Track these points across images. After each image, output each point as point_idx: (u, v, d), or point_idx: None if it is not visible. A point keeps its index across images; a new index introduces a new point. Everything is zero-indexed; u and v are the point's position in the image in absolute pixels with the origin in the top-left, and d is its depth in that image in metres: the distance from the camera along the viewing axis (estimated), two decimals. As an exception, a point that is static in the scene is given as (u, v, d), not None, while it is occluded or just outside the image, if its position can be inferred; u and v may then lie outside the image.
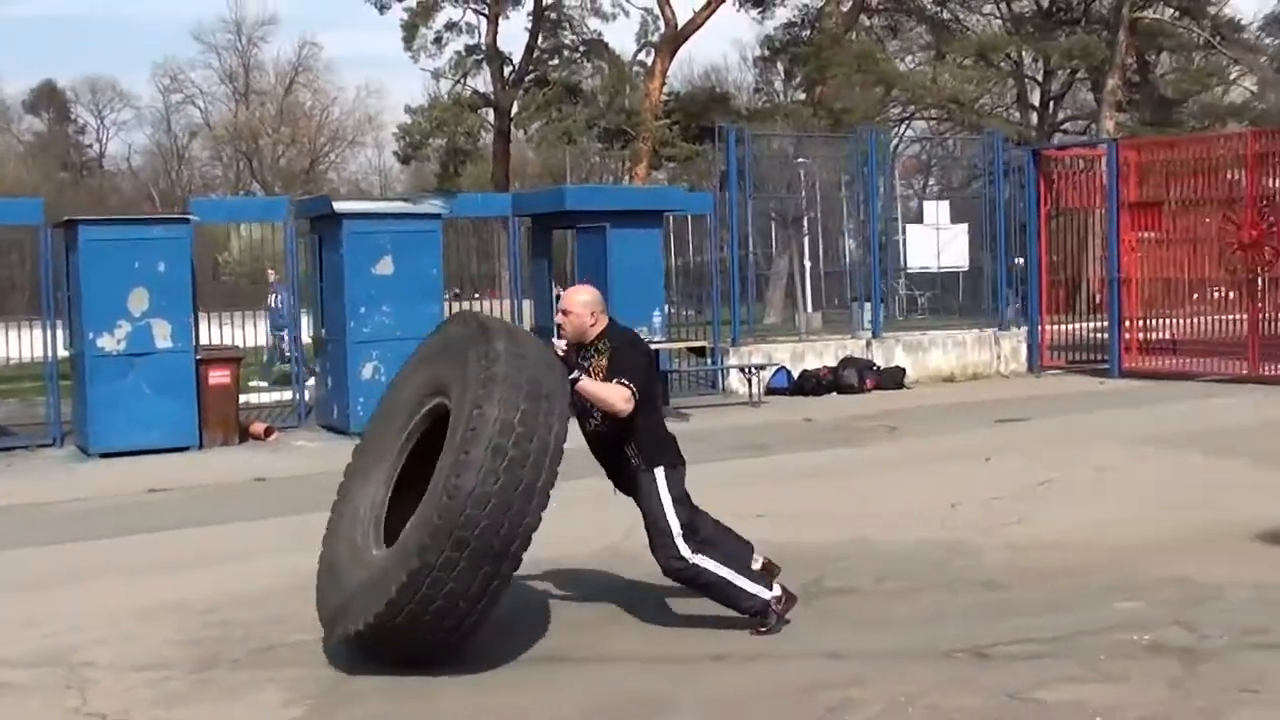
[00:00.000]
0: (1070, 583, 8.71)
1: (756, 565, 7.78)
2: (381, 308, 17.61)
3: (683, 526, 7.43)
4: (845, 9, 47.25)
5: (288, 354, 24.22)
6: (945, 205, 24.82)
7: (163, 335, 16.81)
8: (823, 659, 7.13)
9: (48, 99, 76.60)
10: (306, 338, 19.93)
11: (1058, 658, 7.05)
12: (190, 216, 17.64)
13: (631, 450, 7.50)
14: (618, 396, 7.33)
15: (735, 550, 7.74)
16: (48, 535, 11.87)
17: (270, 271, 25.76)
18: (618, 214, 18.97)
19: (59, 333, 17.89)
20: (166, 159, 75.08)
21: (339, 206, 17.68)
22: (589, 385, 7.38)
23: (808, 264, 37.79)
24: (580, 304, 7.67)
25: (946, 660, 7.07)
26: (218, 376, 17.18)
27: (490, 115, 47.94)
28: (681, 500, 7.52)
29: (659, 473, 7.48)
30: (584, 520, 9.92)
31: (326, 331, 18.29)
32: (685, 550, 7.39)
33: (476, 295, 22.89)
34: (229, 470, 15.28)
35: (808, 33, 48.43)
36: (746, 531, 8.07)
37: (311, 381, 19.59)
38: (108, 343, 16.63)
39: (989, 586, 8.69)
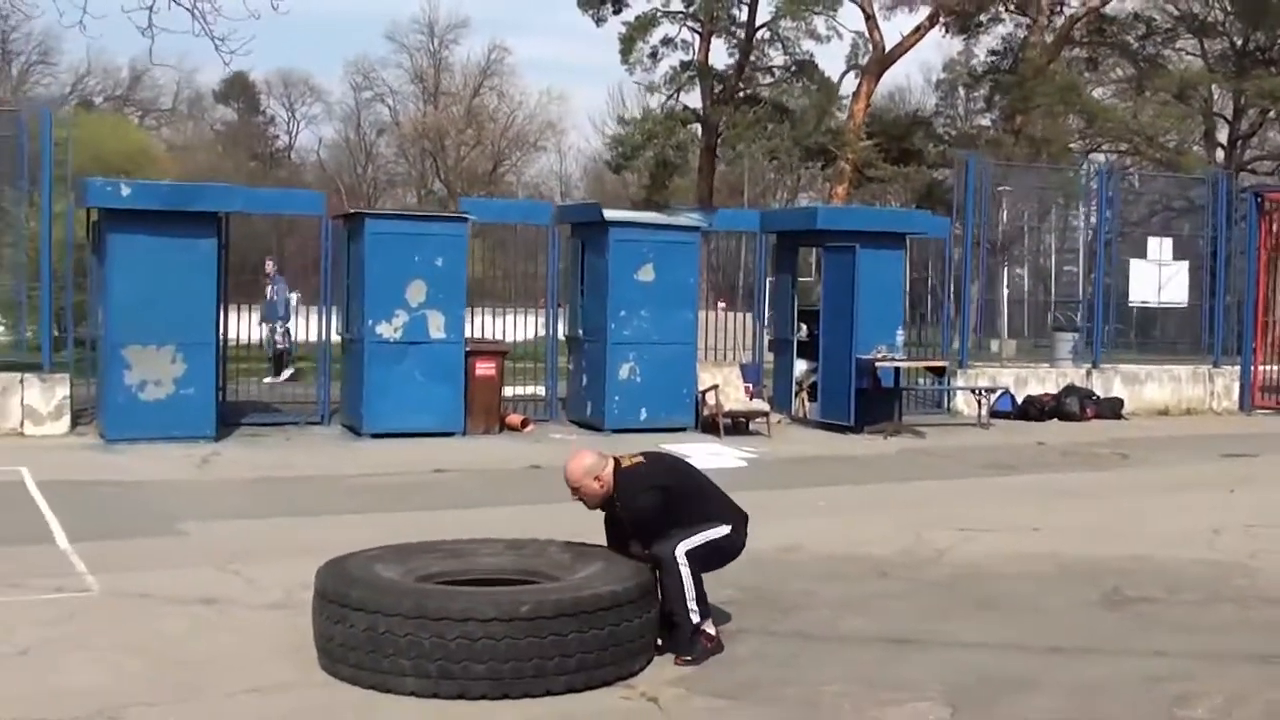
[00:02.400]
0: (1355, 603, 9.31)
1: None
2: (640, 312, 18.50)
3: (690, 552, 7.66)
4: (1049, 40, 47.33)
5: (280, 345, 25.12)
6: (1169, 242, 25.06)
7: (436, 326, 17.83)
8: (1152, 656, 7.84)
9: (239, 90, 78.55)
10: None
11: (1368, 666, 7.69)
12: (468, 215, 18.65)
13: None
14: (669, 557, 7.61)
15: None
16: (358, 504, 12.85)
17: (269, 262, 26.57)
18: (866, 234, 19.65)
19: (334, 318, 19.03)
20: (354, 154, 76.55)
21: (608, 215, 18.58)
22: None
23: (1006, 291, 38.12)
24: (582, 474, 7.76)
25: (1265, 664, 7.76)
26: (484, 368, 18.20)
27: (699, 130, 48.75)
28: (710, 553, 7.77)
29: (725, 527, 7.87)
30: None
31: (584, 332, 19.18)
32: (682, 551, 7.61)
33: (723, 305, 23.68)
34: (502, 457, 16.27)
35: (1009, 61, 48.60)
36: (1024, 544, 8.83)
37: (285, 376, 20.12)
38: (386, 330, 17.69)
39: (1277, 604, 9.28)
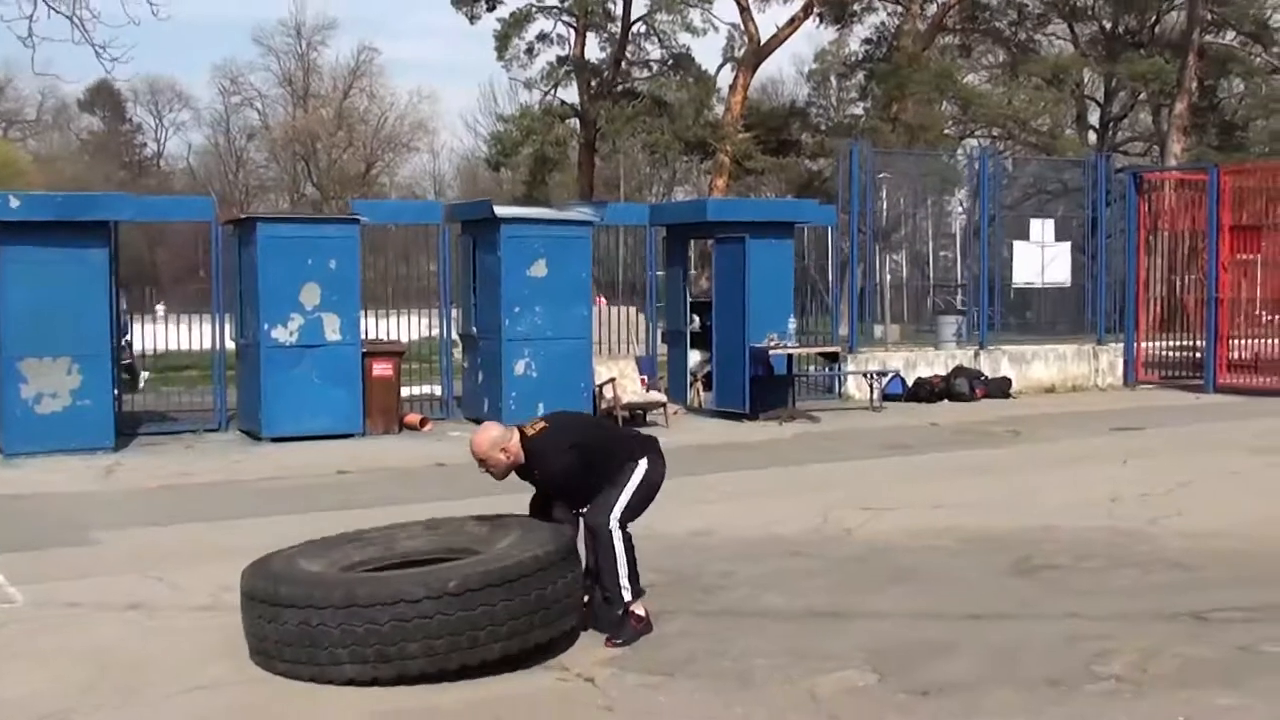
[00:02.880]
0: (1252, 564, 9.75)
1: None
2: (534, 308, 18.61)
3: (624, 515, 7.85)
4: (923, 28, 48.11)
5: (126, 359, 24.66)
6: (1050, 224, 25.61)
7: (332, 329, 17.86)
8: (1067, 619, 8.16)
9: (104, 98, 77.59)
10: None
11: (1269, 622, 8.06)
12: (360, 217, 18.68)
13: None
14: (604, 530, 7.79)
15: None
16: (268, 507, 12.87)
17: None
18: (756, 225, 19.93)
19: (227, 325, 18.99)
20: (224, 160, 75.96)
21: (500, 211, 18.68)
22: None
23: (888, 277, 38.67)
24: (489, 448, 7.85)
25: (1172, 621, 8.11)
26: (381, 369, 18.27)
27: (577, 125, 48.97)
28: (642, 500, 7.96)
29: (643, 463, 7.99)
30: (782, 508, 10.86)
31: (478, 329, 19.29)
32: (616, 520, 7.80)
33: (602, 300, 23.81)
34: (405, 456, 16.35)
35: (883, 50, 49.29)
36: (930, 519, 9.11)
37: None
38: (281, 334, 17.68)
39: (1178, 566, 9.70)
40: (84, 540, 11.42)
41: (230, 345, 19.05)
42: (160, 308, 25.88)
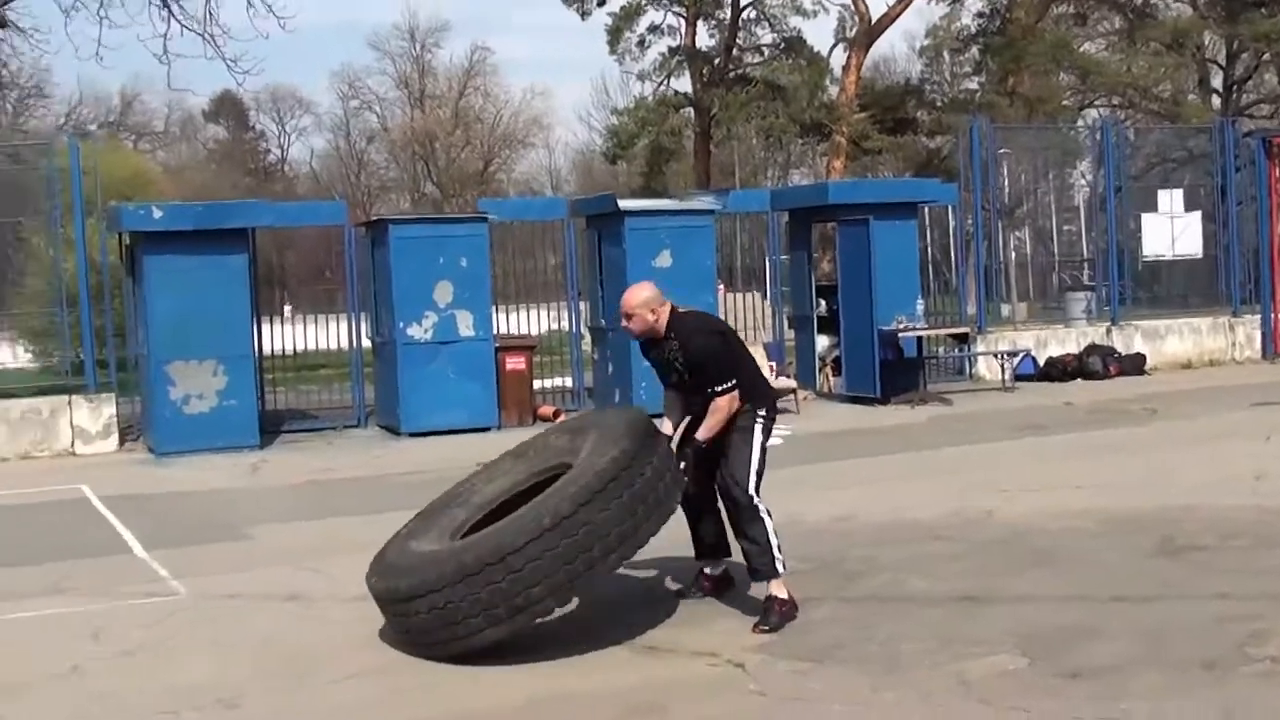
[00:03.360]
0: None
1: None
2: (661, 299, 18.74)
3: (758, 474, 7.94)
4: (1035, -1, 47.44)
5: None
6: (1179, 194, 25.22)
7: (465, 325, 18.20)
8: (1216, 599, 8.13)
9: (228, 108, 78.89)
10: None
11: None
12: (487, 215, 18.98)
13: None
14: (727, 407, 7.85)
15: None
16: (412, 500, 13.05)
17: None
18: (879, 206, 19.94)
19: (363, 324, 19.41)
20: (345, 162, 76.92)
21: (623, 204, 18.88)
22: (707, 434, 7.89)
23: (1013, 254, 38.38)
24: (639, 304, 8.02)
25: (1328, 600, 8.05)
26: (514, 363, 18.57)
27: (691, 114, 49.07)
28: (765, 449, 8.03)
29: (759, 416, 8.04)
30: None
31: (607, 321, 19.47)
32: (754, 489, 7.88)
33: (721, 287, 23.89)
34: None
35: (996, 22, 48.70)
36: (1069, 500, 9.13)
37: None
38: (416, 332, 18.05)
39: (1334, 544, 9.62)
40: (238, 535, 11.82)
41: (366, 343, 19.45)
42: (288, 309, 26.46)
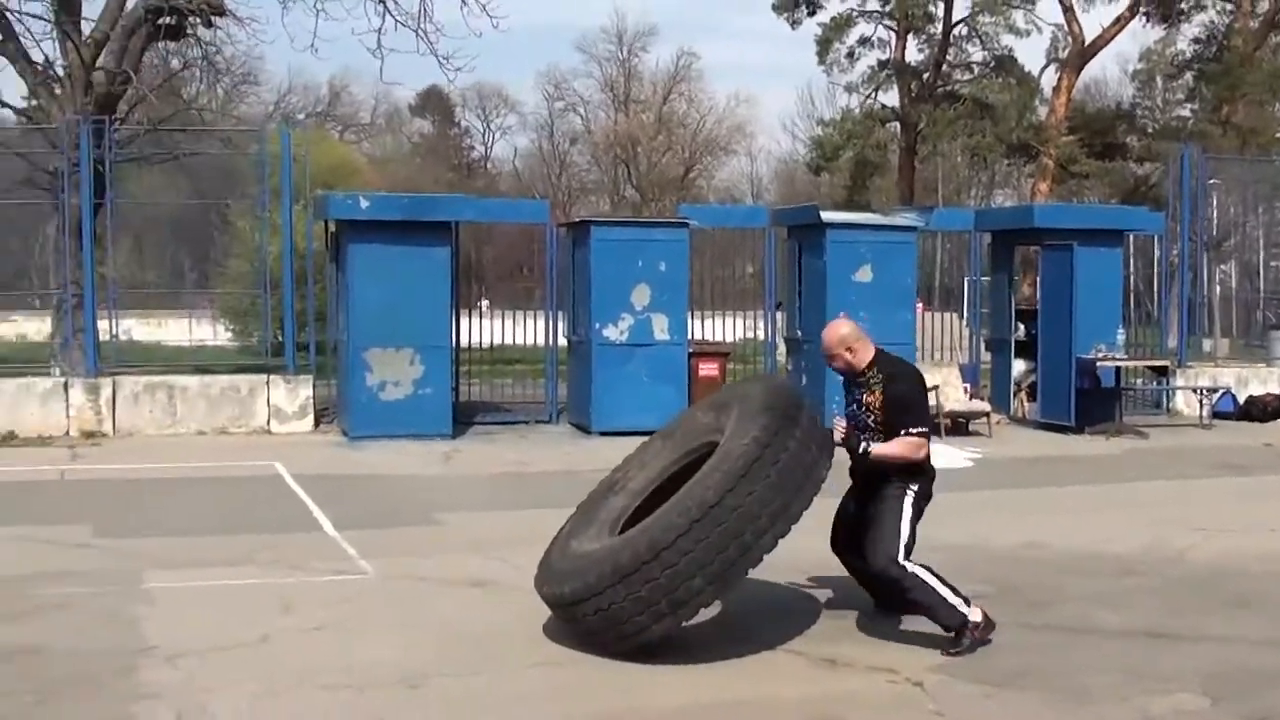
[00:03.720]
0: None
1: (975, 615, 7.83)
2: (859, 313, 18.60)
3: (907, 548, 7.77)
4: (1255, 25, 46.32)
5: None
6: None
7: (661, 328, 18.33)
8: None
9: (435, 103, 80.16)
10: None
11: None
12: (689, 220, 19.10)
13: (894, 473, 7.88)
14: (911, 450, 7.76)
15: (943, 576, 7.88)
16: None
17: None
18: (1084, 232, 19.60)
19: (559, 322, 19.65)
20: (548, 163, 77.73)
21: (826, 216, 18.85)
22: (880, 450, 7.77)
23: (1217, 288, 37.50)
24: (838, 341, 8.02)
25: None
26: (707, 368, 18.66)
27: (898, 129, 48.79)
28: (915, 525, 7.86)
29: (911, 490, 7.89)
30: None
31: (803, 333, 19.47)
32: (903, 557, 7.72)
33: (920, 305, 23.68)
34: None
35: (1213, 49, 47.64)
36: (1268, 543, 8.92)
37: None
38: (612, 333, 18.24)
39: None
40: (428, 520, 12.05)
41: (562, 342, 19.68)
42: (485, 303, 26.84)
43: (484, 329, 21.59)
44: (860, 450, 7.80)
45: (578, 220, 19.64)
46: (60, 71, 21.02)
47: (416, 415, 17.48)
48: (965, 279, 28.88)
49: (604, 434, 17.95)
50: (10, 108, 23.86)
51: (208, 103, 28.91)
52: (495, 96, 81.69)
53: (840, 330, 8.07)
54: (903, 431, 7.79)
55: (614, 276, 18.21)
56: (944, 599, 7.71)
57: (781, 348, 20.52)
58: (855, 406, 8.10)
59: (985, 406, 19.37)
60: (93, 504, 13.06)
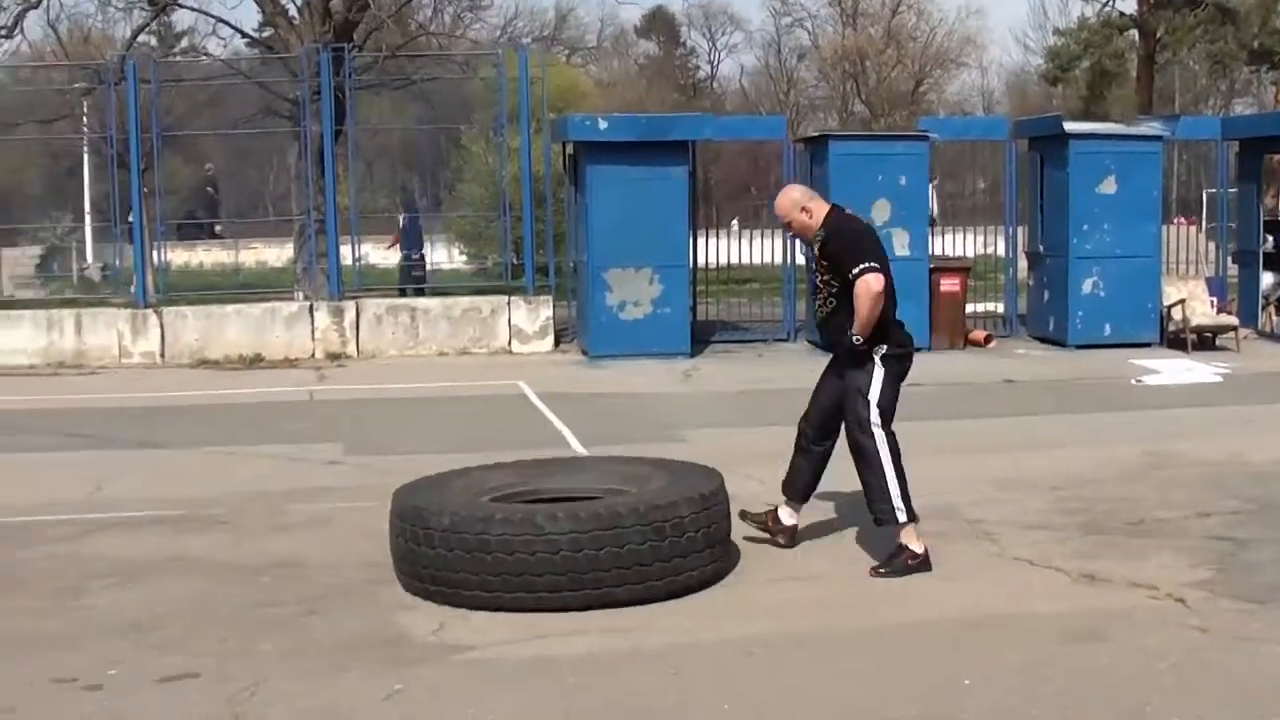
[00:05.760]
0: None
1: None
2: (1103, 226, 18.32)
3: (881, 412, 7.60)
4: None
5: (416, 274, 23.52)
6: None
7: (902, 244, 18.10)
8: None
9: (660, 24, 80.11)
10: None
11: None
12: (929, 134, 18.86)
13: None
14: (866, 296, 7.46)
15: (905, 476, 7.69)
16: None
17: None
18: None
19: (797, 241, 19.50)
20: (774, 80, 77.14)
21: (1068, 127, 18.46)
22: (856, 328, 7.55)
23: None
24: (790, 205, 7.85)
25: None
26: (948, 284, 18.44)
27: (1136, 37, 47.34)
28: (887, 390, 7.65)
29: (877, 357, 7.67)
30: None
31: (1045, 247, 19.15)
32: (876, 422, 7.57)
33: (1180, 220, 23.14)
34: (971, 372, 16.59)
35: None
36: None
37: None
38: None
39: None
40: (671, 437, 12.17)
41: (800, 260, 19.58)
42: (735, 222, 26.89)
43: (719, 249, 21.61)
44: (848, 345, 7.68)
45: (815, 135, 19.52)
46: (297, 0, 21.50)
47: (656, 334, 17.67)
48: (1204, 191, 28.11)
49: (842, 353, 17.88)
50: (249, 36, 24.56)
51: (436, 29, 29.33)
52: (721, 15, 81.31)
53: (792, 194, 7.98)
54: (850, 275, 7.56)
55: (853, 192, 17.90)
56: (887, 489, 7.56)
57: (1022, 263, 20.18)
58: (814, 268, 8.03)
59: (1232, 321, 18.84)
60: (342, 423, 13.56)
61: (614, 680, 6.10)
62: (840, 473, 8.12)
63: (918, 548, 7.64)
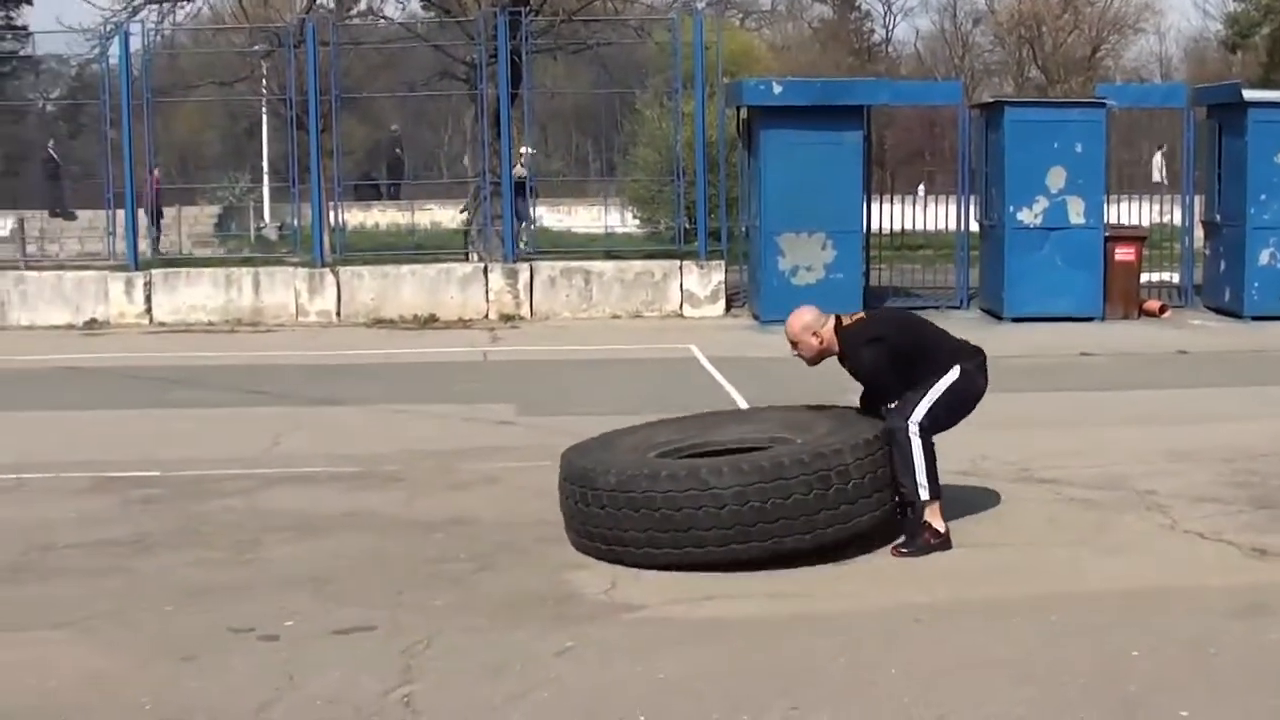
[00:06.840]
0: None
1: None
2: (1280, 196, 17.98)
3: (925, 419, 7.43)
4: None
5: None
6: None
7: (1076, 212, 17.95)
8: None
9: (835, -13, 79.49)
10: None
11: None
12: (1106, 100, 18.60)
13: None
14: (900, 431, 7.42)
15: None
16: (1018, 384, 13.09)
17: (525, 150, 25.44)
18: None
19: (971, 206, 19.45)
20: (950, 44, 76.16)
21: (1248, 95, 18.09)
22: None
23: None
24: (801, 329, 7.73)
25: None
26: (1123, 253, 18.20)
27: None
28: (949, 409, 7.56)
29: (954, 371, 7.58)
30: None
31: (1222, 217, 18.80)
32: (915, 422, 7.39)
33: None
34: (1145, 342, 16.36)
35: None
36: None
37: None
38: (1026, 217, 17.96)
39: None
40: (844, 401, 12.09)
41: (973, 226, 19.49)
42: (921, 188, 26.65)
43: (893, 215, 21.51)
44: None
45: (990, 100, 19.36)
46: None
47: (828, 299, 17.08)
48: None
49: (1016, 320, 17.77)
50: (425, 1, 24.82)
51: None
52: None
53: (804, 317, 7.79)
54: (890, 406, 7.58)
55: (1028, 158, 17.90)
56: (916, 471, 7.39)
57: (1199, 232, 19.82)
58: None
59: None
60: (515, 384, 13.80)
61: (782, 642, 6.17)
62: (1005, 443, 8.11)
63: (940, 526, 7.52)
